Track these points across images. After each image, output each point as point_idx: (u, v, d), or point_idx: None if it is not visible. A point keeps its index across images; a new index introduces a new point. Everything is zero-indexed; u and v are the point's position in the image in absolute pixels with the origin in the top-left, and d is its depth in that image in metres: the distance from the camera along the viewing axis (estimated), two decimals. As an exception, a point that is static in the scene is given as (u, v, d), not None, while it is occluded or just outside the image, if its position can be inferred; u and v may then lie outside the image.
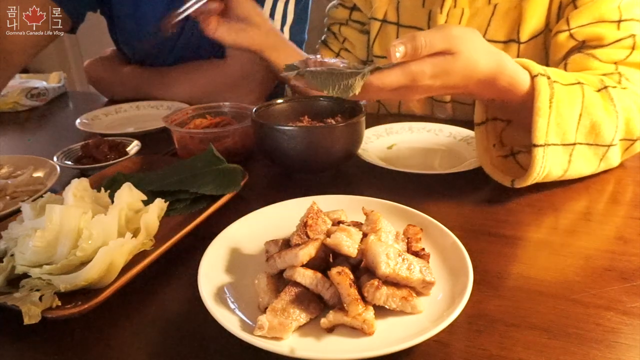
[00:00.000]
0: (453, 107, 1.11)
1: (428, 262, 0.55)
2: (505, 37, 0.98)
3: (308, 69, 0.63)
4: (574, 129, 0.71)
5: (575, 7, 0.88)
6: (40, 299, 0.50)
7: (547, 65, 0.94)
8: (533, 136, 0.68)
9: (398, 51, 0.57)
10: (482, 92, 0.68)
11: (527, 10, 0.95)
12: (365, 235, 0.54)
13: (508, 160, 0.80)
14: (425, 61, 0.60)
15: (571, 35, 0.87)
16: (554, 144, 0.69)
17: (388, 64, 0.60)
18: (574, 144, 0.71)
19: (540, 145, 0.68)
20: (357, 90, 0.59)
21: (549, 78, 0.68)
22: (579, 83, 0.72)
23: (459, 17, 1.01)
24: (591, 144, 0.73)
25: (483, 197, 0.78)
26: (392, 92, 0.61)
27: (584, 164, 0.75)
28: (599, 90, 0.74)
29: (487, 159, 0.78)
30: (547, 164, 0.70)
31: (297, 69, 0.64)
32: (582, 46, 0.86)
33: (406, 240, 0.58)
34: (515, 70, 0.67)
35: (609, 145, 0.74)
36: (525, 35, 0.96)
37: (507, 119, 0.79)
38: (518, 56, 0.97)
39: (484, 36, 0.98)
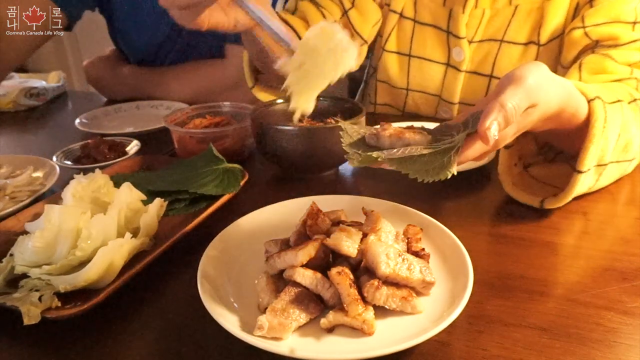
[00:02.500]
0: (459, 108, 1.10)
1: (428, 262, 0.55)
2: (525, 39, 0.97)
3: (387, 155, 0.51)
4: (611, 150, 0.69)
5: (592, 7, 0.88)
6: (39, 299, 0.50)
7: (559, 63, 0.94)
8: (580, 163, 0.65)
9: (494, 134, 0.50)
10: (544, 125, 0.63)
11: (549, 11, 0.93)
12: (365, 235, 0.54)
13: (523, 175, 0.78)
14: None
15: (586, 34, 0.86)
16: (592, 168, 0.68)
17: (472, 127, 0.53)
18: (606, 164, 0.70)
19: (584, 172, 0.66)
20: (455, 170, 0.50)
21: (602, 100, 0.65)
22: (618, 101, 0.69)
23: (480, 18, 1.00)
24: (620, 161, 0.72)
25: (483, 197, 0.78)
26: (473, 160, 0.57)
27: (607, 180, 0.74)
28: (630, 103, 0.72)
29: (508, 180, 0.75)
30: (581, 187, 0.68)
31: (365, 151, 0.52)
32: (596, 45, 0.86)
33: (406, 240, 0.58)
34: (578, 100, 0.63)
35: (631, 160, 0.74)
36: (545, 37, 0.95)
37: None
38: (537, 58, 0.96)
39: (503, 38, 0.99)
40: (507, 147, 0.74)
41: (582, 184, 0.68)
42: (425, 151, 0.51)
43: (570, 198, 0.69)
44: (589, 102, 0.65)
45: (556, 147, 0.79)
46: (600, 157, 0.68)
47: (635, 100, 0.73)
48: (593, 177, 0.70)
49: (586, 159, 0.65)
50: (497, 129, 0.51)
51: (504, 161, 0.74)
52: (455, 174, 0.50)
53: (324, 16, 1.07)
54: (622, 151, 0.71)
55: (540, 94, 0.56)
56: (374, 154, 0.51)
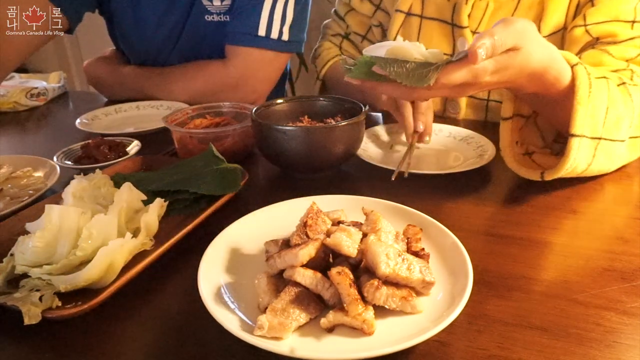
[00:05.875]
0: (467, 101, 1.13)
1: (428, 262, 0.55)
2: None
3: (378, 55, 0.59)
4: (602, 123, 0.71)
5: (593, 5, 0.91)
6: (40, 299, 0.50)
7: None
8: (572, 125, 0.69)
9: (482, 54, 0.56)
10: (529, 85, 0.67)
11: (549, 5, 0.97)
12: (365, 235, 0.54)
13: (525, 158, 0.81)
14: (490, 58, 0.59)
15: (587, 31, 0.90)
16: (585, 136, 0.70)
17: (456, 57, 0.58)
18: (600, 138, 0.72)
19: (578, 136, 0.69)
20: (432, 82, 0.57)
21: (585, 68, 0.69)
22: (604, 77, 0.73)
23: (483, 10, 1.03)
24: (613, 140, 0.74)
25: (483, 197, 0.78)
26: (452, 89, 0.61)
27: (604, 161, 0.75)
28: (618, 85, 0.75)
29: (510, 155, 0.78)
30: (578, 156, 0.71)
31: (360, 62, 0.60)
32: (596, 42, 0.89)
33: (406, 240, 0.58)
34: (562, 65, 0.68)
35: (623, 140, 0.76)
36: (546, 30, 0.98)
37: (528, 115, 0.81)
38: None
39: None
40: (505, 118, 0.78)
41: (579, 151, 0.70)
42: (409, 61, 0.58)
43: (568, 164, 0.71)
44: (572, 67, 0.69)
45: (562, 134, 0.81)
46: (592, 126, 0.70)
47: (624, 83, 0.76)
48: (589, 151, 0.72)
49: (577, 120, 0.68)
50: (485, 52, 0.57)
51: (505, 135, 0.78)
52: (431, 84, 0.58)
53: (340, 47, 1.31)
54: (613, 127, 0.73)
55: (525, 39, 0.61)
56: (366, 56, 0.59)
